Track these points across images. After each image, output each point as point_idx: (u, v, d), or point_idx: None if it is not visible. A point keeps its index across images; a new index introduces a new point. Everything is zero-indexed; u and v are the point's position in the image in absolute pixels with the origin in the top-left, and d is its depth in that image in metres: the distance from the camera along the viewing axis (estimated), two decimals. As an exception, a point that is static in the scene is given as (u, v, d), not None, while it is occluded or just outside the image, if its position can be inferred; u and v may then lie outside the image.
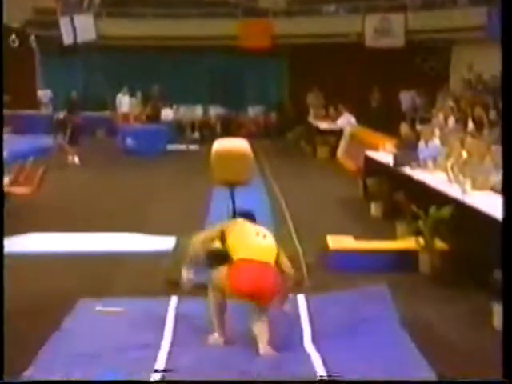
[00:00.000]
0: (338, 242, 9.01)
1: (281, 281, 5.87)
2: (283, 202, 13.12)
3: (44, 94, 26.17)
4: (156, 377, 5.05)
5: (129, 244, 9.82)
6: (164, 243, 9.52)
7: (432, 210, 8.57)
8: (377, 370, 5.20)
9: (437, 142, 12.50)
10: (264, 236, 5.89)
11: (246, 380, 4.58)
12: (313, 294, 7.35)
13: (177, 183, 15.54)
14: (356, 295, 7.19)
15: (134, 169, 17.52)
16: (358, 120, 20.91)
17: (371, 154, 13.99)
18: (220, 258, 5.87)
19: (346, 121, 20.82)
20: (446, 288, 7.85)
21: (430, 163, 11.42)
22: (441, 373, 5.20)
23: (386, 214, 11.60)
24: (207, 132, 24.91)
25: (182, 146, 22.73)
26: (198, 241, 6.08)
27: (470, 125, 15.37)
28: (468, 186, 8.93)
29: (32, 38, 24.88)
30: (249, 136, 14.20)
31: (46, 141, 19.92)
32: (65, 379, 4.49)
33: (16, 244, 9.49)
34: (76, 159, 18.43)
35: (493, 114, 15.36)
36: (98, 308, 6.48)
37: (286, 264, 6.02)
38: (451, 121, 16.59)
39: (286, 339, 5.96)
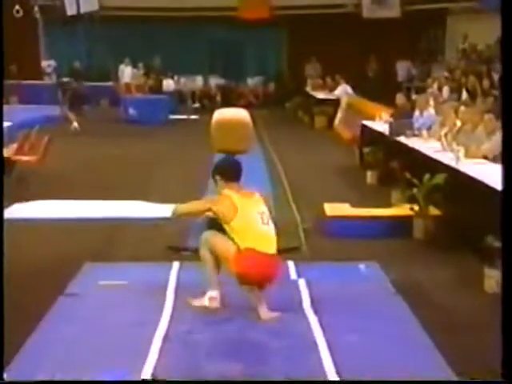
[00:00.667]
0: (334, 209, 9.08)
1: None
2: (281, 170, 13.31)
3: (48, 64, 26.21)
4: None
5: (131, 211, 9.98)
6: (166, 210, 9.70)
7: (426, 177, 8.66)
8: (372, 333, 5.43)
9: (431, 111, 12.61)
10: (267, 221, 5.92)
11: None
12: (309, 262, 7.47)
13: (178, 151, 15.70)
14: (349, 269, 7.24)
15: (136, 138, 17.61)
16: (355, 90, 21.02)
17: (367, 123, 14.13)
18: (218, 225, 6.03)
19: (343, 91, 20.91)
20: (439, 253, 7.97)
21: (424, 132, 11.56)
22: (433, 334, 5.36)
23: (382, 181, 11.74)
24: (207, 102, 25.09)
25: (183, 116, 22.89)
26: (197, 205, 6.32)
27: (464, 94, 15.52)
28: (461, 153, 9.02)
29: (36, 8, 24.89)
30: (248, 106, 14.36)
31: (51, 110, 20.03)
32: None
33: (22, 210, 9.83)
34: (75, 124, 18.39)
35: (486, 84, 15.47)
36: (101, 282, 6.66)
37: None
38: (445, 90, 16.74)
39: (285, 304, 6.06)
